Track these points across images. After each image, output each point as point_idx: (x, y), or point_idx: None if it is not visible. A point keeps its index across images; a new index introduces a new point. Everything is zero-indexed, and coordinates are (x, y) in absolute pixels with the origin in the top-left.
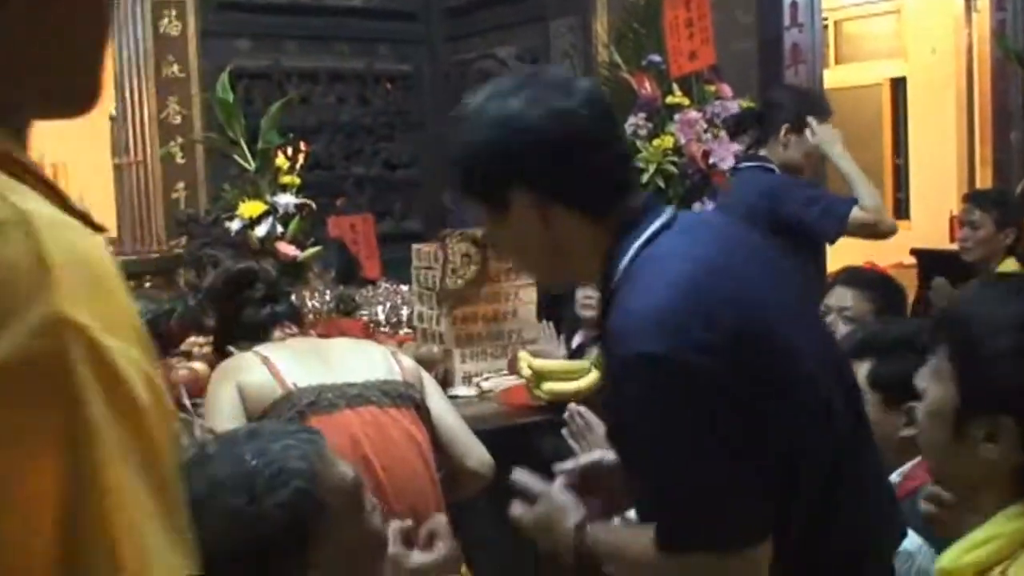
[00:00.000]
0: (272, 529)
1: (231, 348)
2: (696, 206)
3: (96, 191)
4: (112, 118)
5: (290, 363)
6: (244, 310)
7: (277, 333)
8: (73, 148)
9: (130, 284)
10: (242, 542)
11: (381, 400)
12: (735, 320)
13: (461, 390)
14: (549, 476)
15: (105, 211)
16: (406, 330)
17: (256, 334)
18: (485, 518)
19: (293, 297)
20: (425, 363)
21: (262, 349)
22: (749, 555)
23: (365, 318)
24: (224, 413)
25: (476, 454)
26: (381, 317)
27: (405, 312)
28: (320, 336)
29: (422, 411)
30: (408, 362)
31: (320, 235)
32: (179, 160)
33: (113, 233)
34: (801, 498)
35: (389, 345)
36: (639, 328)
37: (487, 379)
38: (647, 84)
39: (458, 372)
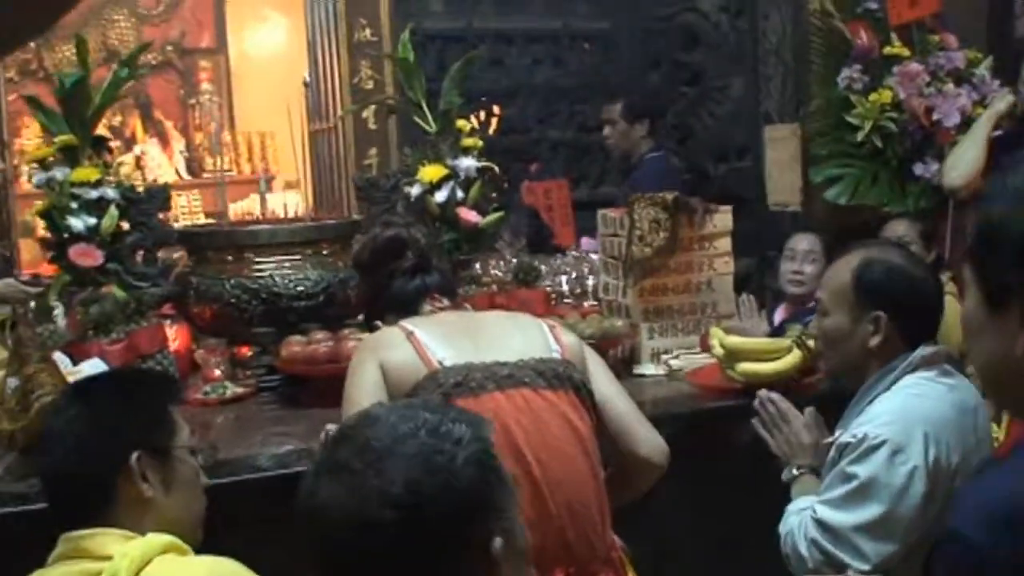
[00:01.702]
0: (465, 480)
1: (378, 324)
2: (917, 167)
3: (296, 159)
4: (306, 84)
5: (437, 339)
6: (393, 281)
7: (427, 306)
8: (277, 117)
9: (307, 252)
10: (433, 490)
11: (535, 381)
12: None
13: (648, 368)
14: (746, 466)
15: (305, 178)
16: (591, 302)
17: (405, 307)
18: (671, 512)
19: (478, 265)
20: (609, 338)
21: (407, 323)
22: None
23: (549, 288)
24: (365, 393)
25: (649, 441)
26: (565, 288)
27: (591, 282)
28: (486, 307)
29: (583, 394)
30: (569, 338)
31: (513, 201)
32: (371, 126)
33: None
34: None
35: (553, 318)
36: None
37: (677, 357)
38: (863, 34)
39: (645, 348)
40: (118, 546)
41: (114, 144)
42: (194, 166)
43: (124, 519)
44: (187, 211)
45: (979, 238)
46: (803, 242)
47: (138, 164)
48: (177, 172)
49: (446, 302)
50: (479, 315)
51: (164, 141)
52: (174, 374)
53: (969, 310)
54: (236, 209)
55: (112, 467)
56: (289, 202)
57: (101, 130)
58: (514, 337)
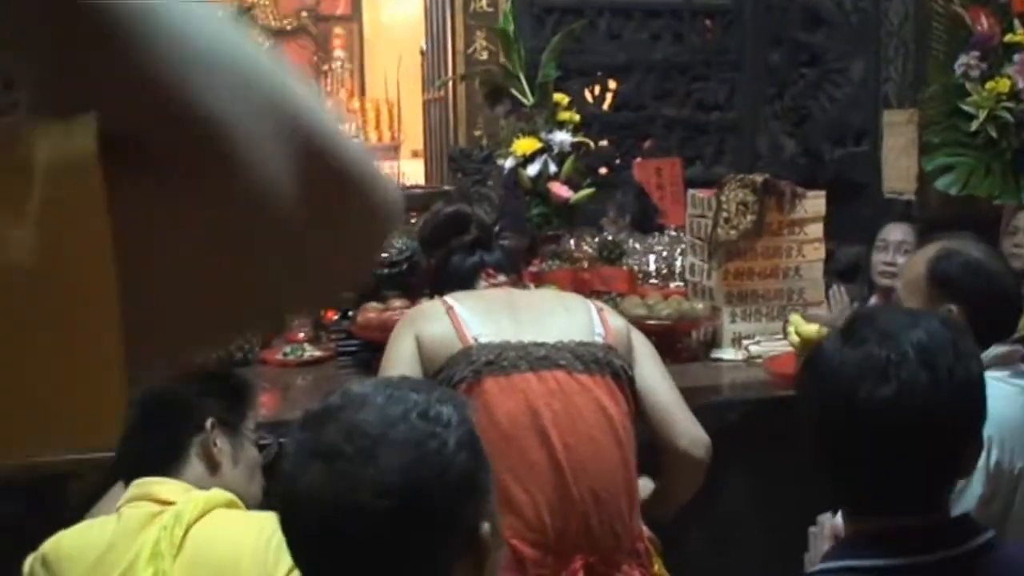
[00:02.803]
0: (458, 465)
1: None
2: None
3: (416, 126)
4: (422, 53)
5: (476, 315)
6: (453, 257)
7: (482, 283)
8: (404, 85)
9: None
10: (428, 476)
11: (572, 364)
12: None
13: (727, 353)
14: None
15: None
16: (678, 283)
17: (462, 282)
18: (730, 499)
19: (572, 241)
20: (686, 320)
21: (450, 297)
22: None
23: (635, 267)
24: (399, 365)
25: (689, 433)
26: (652, 267)
27: (679, 264)
28: (568, 284)
29: (622, 381)
30: (617, 323)
31: (623, 178)
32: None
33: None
34: None
35: (629, 297)
36: None
37: (758, 343)
38: (984, 19)
39: (727, 332)
40: (181, 495)
41: None
42: None
43: (191, 477)
44: None
45: None
46: (896, 232)
47: None
48: None
49: (502, 278)
50: (526, 293)
51: None
52: (255, 333)
53: None
54: None
55: (189, 425)
56: (411, 171)
57: None
58: (557, 318)
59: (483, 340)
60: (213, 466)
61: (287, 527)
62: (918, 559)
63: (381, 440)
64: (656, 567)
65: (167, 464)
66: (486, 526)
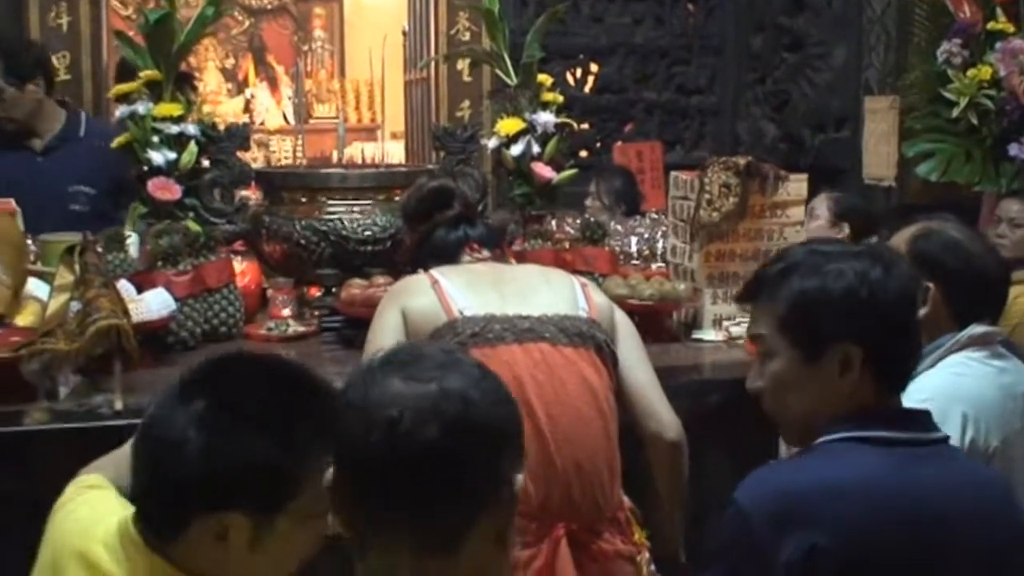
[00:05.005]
0: (505, 407)
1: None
2: (1012, 147)
3: (396, 107)
4: (404, 34)
5: (461, 288)
6: (436, 231)
7: (466, 257)
8: (386, 66)
9: (378, 197)
10: (488, 401)
11: (556, 337)
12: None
13: (708, 334)
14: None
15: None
16: (659, 264)
17: (445, 256)
18: (711, 480)
19: (554, 222)
20: (668, 301)
21: (436, 271)
22: None
23: (617, 248)
24: (386, 337)
25: (662, 416)
26: (633, 249)
27: (661, 245)
28: (550, 263)
29: (605, 354)
30: (600, 299)
31: (602, 161)
32: (465, 78)
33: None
34: None
35: (613, 278)
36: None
37: (738, 324)
38: (966, 7)
39: (708, 314)
40: None
41: (226, 86)
42: (302, 112)
43: (188, 556)
44: (290, 156)
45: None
46: None
47: (247, 107)
48: (284, 117)
49: (486, 253)
50: (510, 268)
51: (274, 86)
52: (239, 308)
53: (786, 370)
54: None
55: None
56: (392, 152)
57: (212, 71)
58: (541, 292)
59: (468, 313)
60: (214, 550)
61: (351, 445)
62: (916, 435)
63: (448, 365)
64: (636, 535)
65: (170, 535)
66: (519, 478)
